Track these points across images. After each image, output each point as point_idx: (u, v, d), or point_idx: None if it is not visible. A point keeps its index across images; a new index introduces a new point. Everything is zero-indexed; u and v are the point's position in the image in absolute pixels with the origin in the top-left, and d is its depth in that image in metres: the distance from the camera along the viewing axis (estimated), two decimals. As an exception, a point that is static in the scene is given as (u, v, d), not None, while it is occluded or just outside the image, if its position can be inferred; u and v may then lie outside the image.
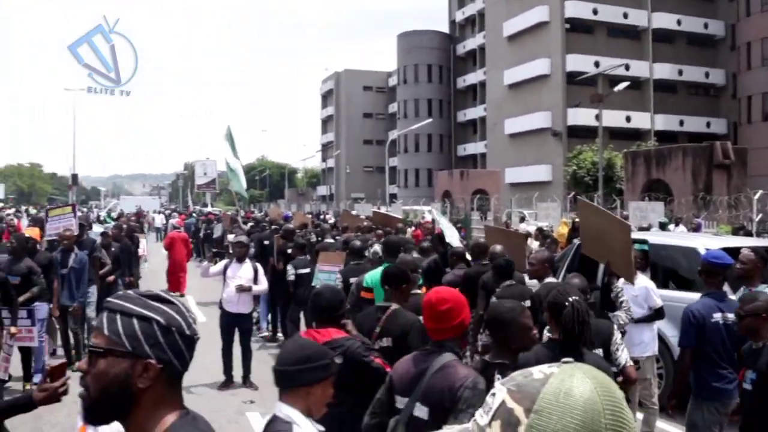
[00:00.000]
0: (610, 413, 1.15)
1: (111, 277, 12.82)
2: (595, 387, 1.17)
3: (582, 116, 49.81)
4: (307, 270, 11.48)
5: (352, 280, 8.28)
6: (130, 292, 1.83)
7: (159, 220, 37.04)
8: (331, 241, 13.49)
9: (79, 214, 13.94)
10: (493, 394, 1.22)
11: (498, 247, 8.42)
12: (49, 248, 11.66)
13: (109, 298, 1.82)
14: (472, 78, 70.38)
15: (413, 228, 18.20)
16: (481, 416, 1.22)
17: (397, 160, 73.68)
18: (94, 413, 1.79)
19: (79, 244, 11.60)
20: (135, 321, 1.74)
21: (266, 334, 13.49)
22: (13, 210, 34.50)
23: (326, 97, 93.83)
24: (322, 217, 29.10)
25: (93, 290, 11.45)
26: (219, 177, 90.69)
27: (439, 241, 11.63)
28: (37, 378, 9.19)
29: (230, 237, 22.87)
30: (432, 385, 3.61)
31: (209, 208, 49.24)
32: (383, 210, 30.75)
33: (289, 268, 11.67)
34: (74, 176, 61.29)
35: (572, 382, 1.17)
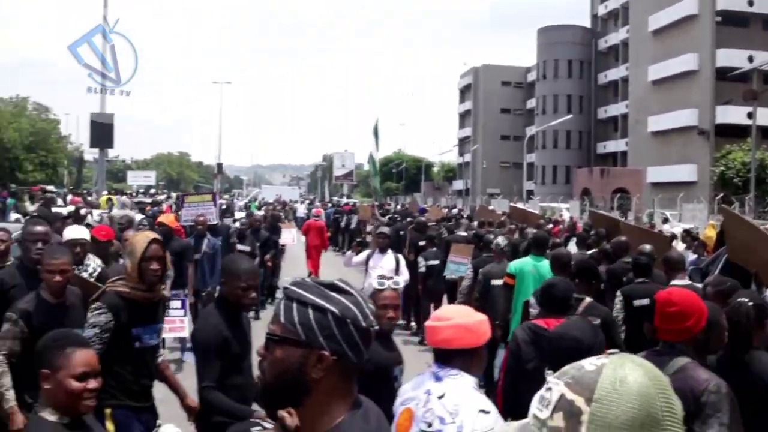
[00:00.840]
0: (662, 396, 1.27)
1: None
2: (646, 374, 1.28)
3: (732, 114, 47.57)
4: (437, 262, 11.80)
5: (481, 270, 9.05)
6: (308, 279, 1.84)
7: (301, 210, 38.21)
8: (463, 234, 13.67)
9: (220, 201, 14.27)
10: (549, 389, 1.31)
11: (647, 247, 8.29)
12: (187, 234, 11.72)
13: (287, 285, 1.83)
14: (613, 74, 68.37)
15: (551, 225, 17.99)
16: (540, 410, 1.31)
17: (534, 156, 72.65)
18: (268, 398, 1.82)
19: (214, 230, 11.71)
20: (310, 310, 1.73)
21: (401, 322, 13.79)
22: (164, 196, 36.51)
23: (464, 92, 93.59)
24: (456, 211, 29.12)
25: None
26: (356, 169, 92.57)
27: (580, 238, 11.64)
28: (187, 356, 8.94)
29: (368, 228, 23.48)
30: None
31: (345, 200, 50.28)
32: (520, 206, 30.52)
33: (420, 259, 11.97)
34: (219, 165, 64.11)
35: (624, 371, 1.28)
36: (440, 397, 3.08)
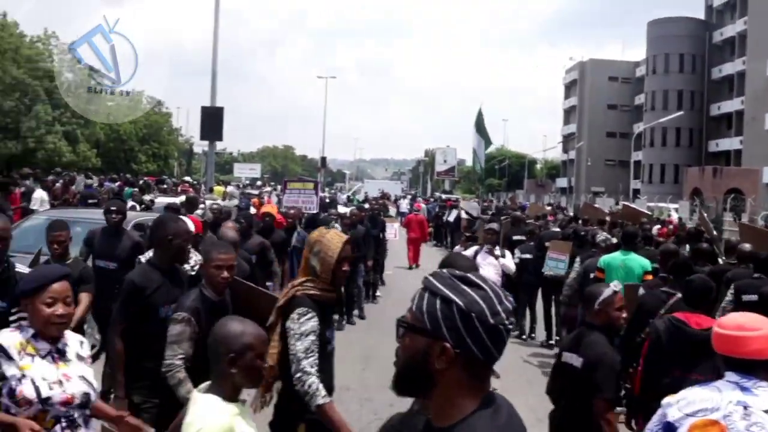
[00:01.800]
0: None
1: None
2: None
3: None
4: (530, 255, 11.99)
5: (582, 264, 9.63)
6: (444, 271, 1.82)
7: (404, 205, 38.52)
8: (556, 230, 13.82)
9: (322, 194, 14.14)
10: None
11: (747, 246, 8.34)
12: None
13: (426, 276, 1.83)
14: (729, 68, 65.59)
15: (658, 226, 17.53)
16: None
17: (641, 154, 70.67)
18: (398, 383, 1.83)
19: (313, 221, 11.45)
20: (438, 301, 1.73)
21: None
22: (270, 188, 37.33)
23: (569, 88, 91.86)
24: (549, 208, 28.75)
25: None
26: (458, 165, 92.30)
27: (691, 237, 11.58)
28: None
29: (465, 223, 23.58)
30: None
31: (445, 195, 50.30)
32: (632, 205, 29.81)
33: (516, 252, 11.98)
34: (323, 159, 65.19)
35: None
36: (766, 411, 2.94)
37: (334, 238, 4.19)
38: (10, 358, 3.26)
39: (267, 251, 9.26)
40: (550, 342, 11.82)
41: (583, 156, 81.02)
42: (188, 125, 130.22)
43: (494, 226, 11.42)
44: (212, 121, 22.07)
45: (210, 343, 2.93)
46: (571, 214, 23.86)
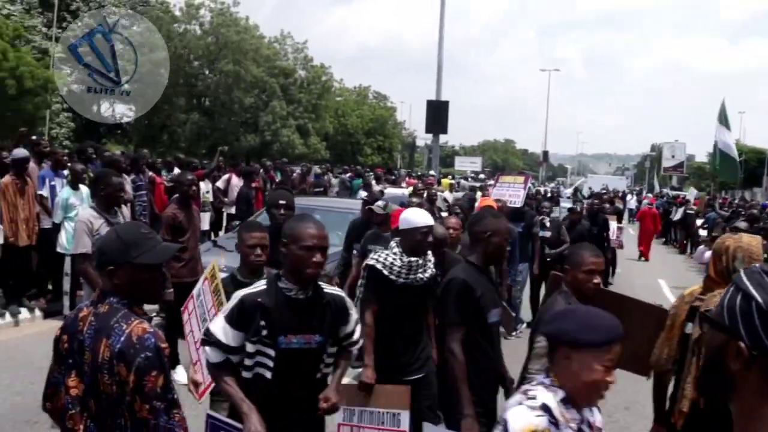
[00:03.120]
0: None
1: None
2: None
3: None
4: None
5: None
6: (756, 266, 1.65)
7: (632, 202, 37.23)
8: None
9: (538, 187, 13.70)
10: None
11: None
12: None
13: (741, 269, 1.72)
14: None
15: None
16: None
17: None
18: (701, 380, 1.82)
19: (519, 215, 10.92)
20: (739, 296, 1.57)
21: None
22: (492, 182, 37.36)
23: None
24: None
25: (524, 268, 10.73)
26: (687, 161, 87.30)
27: None
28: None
29: (698, 222, 22.53)
30: None
31: (673, 192, 47.94)
32: None
33: None
34: (545, 153, 64.31)
35: None
36: None
37: (752, 242, 3.95)
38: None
39: None
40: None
41: (834, 151, 73.61)
42: (411, 119, 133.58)
43: (741, 224, 10.74)
44: (437, 114, 22.49)
45: None
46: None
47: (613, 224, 15.67)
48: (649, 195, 41.70)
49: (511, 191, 11.58)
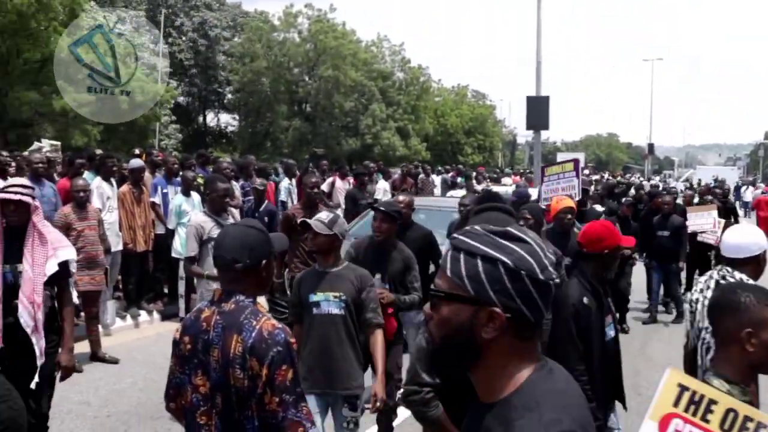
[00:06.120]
0: None
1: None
2: None
3: None
4: None
5: None
6: (476, 227, 1.61)
7: (748, 195, 35.79)
8: None
9: (646, 180, 12.62)
10: None
11: None
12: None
13: (454, 235, 1.63)
14: None
15: None
16: None
17: None
18: (437, 360, 1.70)
19: (580, 214, 9.39)
20: (479, 261, 1.52)
21: None
22: (597, 177, 36.59)
23: None
24: None
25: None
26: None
27: None
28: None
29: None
30: None
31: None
32: None
33: None
34: (650, 146, 62.44)
35: None
36: None
37: None
38: None
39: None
40: None
41: None
42: (511, 116, 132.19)
43: None
44: (538, 110, 22.15)
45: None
46: None
47: (702, 216, 13.82)
48: (762, 185, 39.91)
49: (564, 184, 10.04)
